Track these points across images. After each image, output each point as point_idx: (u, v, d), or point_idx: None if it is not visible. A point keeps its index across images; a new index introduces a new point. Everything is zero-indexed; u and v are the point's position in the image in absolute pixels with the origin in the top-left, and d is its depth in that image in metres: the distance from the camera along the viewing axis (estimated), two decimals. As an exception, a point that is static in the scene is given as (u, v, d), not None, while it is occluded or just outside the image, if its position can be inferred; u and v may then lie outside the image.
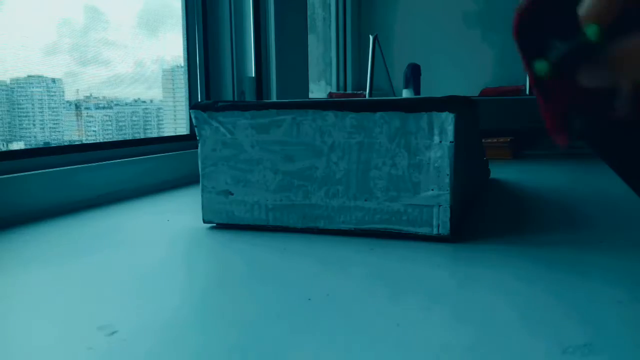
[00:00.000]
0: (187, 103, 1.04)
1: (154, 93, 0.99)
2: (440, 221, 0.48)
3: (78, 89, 0.83)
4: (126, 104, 0.93)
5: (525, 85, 1.54)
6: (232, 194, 0.54)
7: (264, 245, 0.49)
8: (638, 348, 0.28)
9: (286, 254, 0.46)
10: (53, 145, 0.78)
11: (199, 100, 1.03)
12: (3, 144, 0.72)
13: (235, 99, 1.07)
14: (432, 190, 0.48)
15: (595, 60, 0.16)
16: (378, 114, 0.49)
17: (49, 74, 0.78)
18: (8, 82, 0.73)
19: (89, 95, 0.85)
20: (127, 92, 0.93)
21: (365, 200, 0.50)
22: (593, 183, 0.84)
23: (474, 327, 0.30)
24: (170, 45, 1.01)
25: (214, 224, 0.56)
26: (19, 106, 0.74)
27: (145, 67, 0.95)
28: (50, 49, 0.76)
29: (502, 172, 0.93)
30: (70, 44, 0.79)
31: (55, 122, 0.80)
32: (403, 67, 1.45)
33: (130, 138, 0.94)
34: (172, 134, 1.04)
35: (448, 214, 0.48)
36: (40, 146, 0.77)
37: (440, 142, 0.47)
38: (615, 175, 0.31)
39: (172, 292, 0.38)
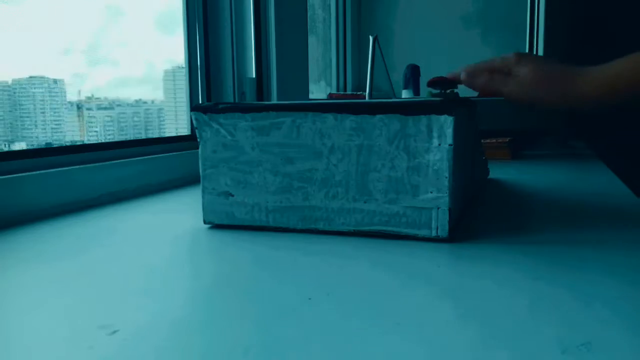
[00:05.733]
0: (188, 104, 1.04)
1: (156, 94, 0.99)
2: (439, 224, 0.48)
3: (80, 90, 0.83)
4: (128, 105, 0.93)
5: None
6: (232, 196, 0.55)
7: (264, 245, 0.49)
8: (638, 347, 0.28)
9: (286, 254, 0.46)
10: (54, 146, 0.79)
11: (200, 101, 1.03)
12: (5, 145, 0.72)
13: (236, 100, 1.07)
14: (431, 192, 0.48)
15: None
16: (377, 117, 0.49)
17: (51, 74, 0.78)
18: (10, 82, 0.73)
19: (90, 96, 0.86)
20: (128, 93, 0.93)
21: (365, 202, 0.51)
22: (592, 183, 0.84)
23: (474, 327, 0.31)
24: (171, 47, 1.01)
25: (215, 225, 0.56)
26: (21, 107, 0.75)
27: (146, 68, 0.96)
28: (51, 49, 0.77)
29: (501, 172, 0.93)
30: (71, 44, 0.80)
31: (57, 122, 0.80)
32: (403, 68, 1.45)
33: (132, 139, 0.94)
34: (174, 134, 1.04)
35: (447, 217, 0.48)
36: (42, 147, 0.77)
37: (439, 145, 0.47)
38: (615, 175, 0.32)
39: (172, 292, 0.38)
